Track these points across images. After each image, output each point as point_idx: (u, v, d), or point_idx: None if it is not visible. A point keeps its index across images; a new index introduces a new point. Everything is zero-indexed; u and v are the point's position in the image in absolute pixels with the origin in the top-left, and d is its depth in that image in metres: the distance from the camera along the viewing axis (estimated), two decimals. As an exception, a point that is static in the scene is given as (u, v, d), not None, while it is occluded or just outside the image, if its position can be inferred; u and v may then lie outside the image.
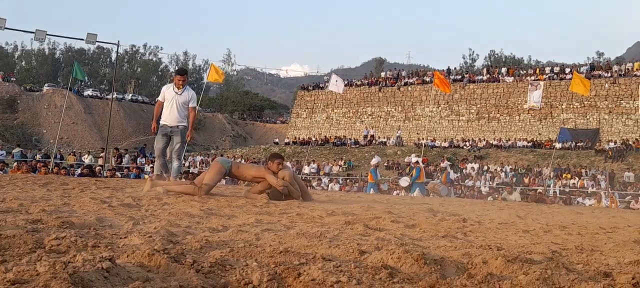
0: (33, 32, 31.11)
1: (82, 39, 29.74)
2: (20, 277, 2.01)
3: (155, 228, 3.78)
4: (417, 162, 18.71)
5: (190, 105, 9.73)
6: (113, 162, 25.36)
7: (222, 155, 42.92)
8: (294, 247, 3.16)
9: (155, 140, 9.68)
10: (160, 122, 9.54)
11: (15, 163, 21.20)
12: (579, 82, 26.46)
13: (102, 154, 27.55)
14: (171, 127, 9.53)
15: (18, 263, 2.20)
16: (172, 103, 9.52)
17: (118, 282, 2.08)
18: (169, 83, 9.87)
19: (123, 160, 27.37)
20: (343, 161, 43.38)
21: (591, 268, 3.03)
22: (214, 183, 8.57)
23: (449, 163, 21.09)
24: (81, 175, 18.17)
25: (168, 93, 9.59)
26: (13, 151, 26.76)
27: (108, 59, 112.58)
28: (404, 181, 18.45)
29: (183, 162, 13.22)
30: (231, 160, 9.35)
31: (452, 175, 18.40)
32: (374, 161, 19.80)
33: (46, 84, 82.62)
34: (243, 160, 42.05)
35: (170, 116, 9.52)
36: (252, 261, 2.61)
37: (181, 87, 9.62)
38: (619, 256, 3.68)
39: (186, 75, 9.98)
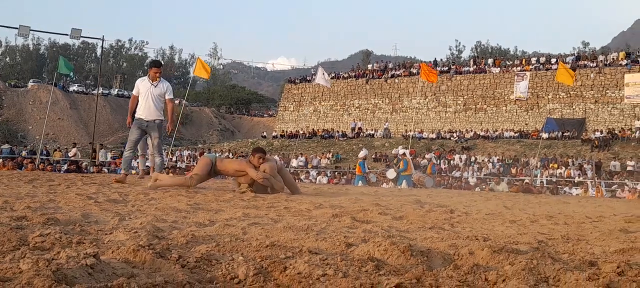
0: (16, 28, 30.89)
1: (67, 35, 29.62)
2: (3, 275, 1.99)
3: (141, 223, 3.76)
4: (404, 154, 18.76)
5: (167, 97, 9.52)
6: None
7: (209, 150, 42.90)
8: (280, 241, 3.16)
9: (129, 133, 9.54)
10: (136, 115, 9.37)
11: (1, 160, 21.05)
12: (565, 72, 26.61)
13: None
14: (147, 121, 9.36)
15: (1, 261, 2.18)
16: (147, 96, 9.31)
17: (102, 279, 2.06)
18: (144, 76, 9.78)
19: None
20: (331, 154, 43.42)
21: (577, 257, 3.05)
22: (203, 174, 8.58)
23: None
24: (67, 171, 18.07)
25: (143, 86, 9.37)
26: (2, 147, 26.56)
27: (93, 54, 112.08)
28: (391, 173, 18.50)
29: (165, 158, 13.25)
30: (216, 155, 9.47)
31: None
32: (361, 154, 19.87)
33: (31, 80, 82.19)
34: (231, 154, 42.01)
35: (146, 110, 9.32)
36: (238, 255, 2.60)
37: (157, 79, 9.43)
38: (605, 245, 3.70)
39: (161, 67, 9.80)
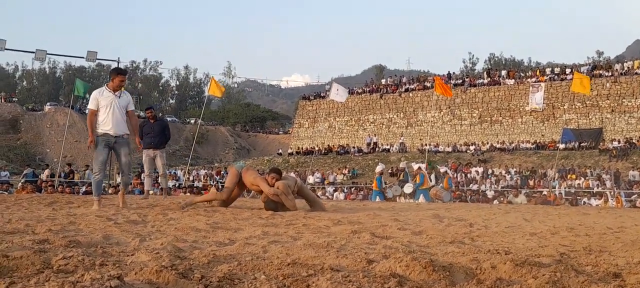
0: (33, 52, 31.24)
1: (83, 57, 29.86)
2: (30, 299, 2.01)
3: (162, 244, 3.78)
4: (419, 168, 18.69)
5: (130, 109, 8.65)
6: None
7: (226, 169, 42.99)
8: (301, 259, 3.16)
9: (95, 153, 8.31)
10: (100, 131, 8.24)
11: (20, 184, 21.22)
12: (579, 81, 26.47)
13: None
14: (115, 136, 8.32)
15: (27, 284, 2.20)
16: (112, 108, 8.29)
17: (127, 300, 2.08)
18: (101, 88, 8.63)
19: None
20: (347, 169, 43.32)
21: (600, 269, 3.02)
22: (231, 185, 8.81)
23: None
24: (86, 193, 18.18)
25: (104, 98, 8.32)
26: (24, 172, 26.77)
27: (108, 76, 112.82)
28: (408, 187, 18.45)
29: (183, 177, 13.22)
30: (244, 164, 9.47)
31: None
32: (378, 169, 19.83)
33: (48, 103, 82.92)
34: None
35: (112, 123, 8.27)
36: (260, 274, 2.60)
37: (120, 89, 8.54)
38: (628, 256, 3.67)
39: (126, 75, 9.04)
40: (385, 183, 20.34)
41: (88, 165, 36.66)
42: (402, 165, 21.71)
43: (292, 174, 9.77)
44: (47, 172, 26.94)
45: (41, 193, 16.65)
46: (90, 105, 8.35)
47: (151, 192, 13.33)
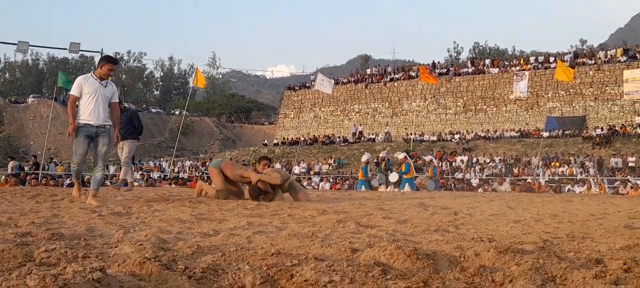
0: (15, 44, 30.94)
1: (65, 49, 29.60)
2: (11, 292, 1.99)
3: (146, 235, 3.76)
4: (405, 157, 18.74)
5: (114, 100, 8.13)
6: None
7: (210, 160, 42.87)
8: (286, 249, 3.15)
9: (74, 143, 7.79)
10: (81, 121, 7.73)
11: (4, 177, 21.05)
12: (563, 70, 26.66)
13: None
14: (97, 126, 7.80)
15: (7, 278, 2.18)
16: (97, 97, 7.79)
17: (110, 292, 2.07)
18: (86, 74, 8.08)
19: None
20: (333, 159, 43.36)
21: (583, 255, 3.05)
22: (224, 184, 8.90)
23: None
24: (70, 185, 18.07)
25: (89, 85, 7.80)
26: (9, 164, 26.52)
27: (92, 68, 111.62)
28: (393, 176, 18.49)
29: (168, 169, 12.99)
30: (221, 160, 9.48)
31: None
32: (364, 158, 19.89)
33: (31, 95, 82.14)
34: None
35: (95, 113, 7.76)
36: (244, 264, 2.60)
37: (107, 78, 8.03)
38: (610, 242, 3.70)
39: (117, 65, 8.49)
40: (371, 172, 20.40)
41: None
42: (382, 154, 21.80)
43: (278, 165, 9.75)
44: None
45: (25, 186, 16.53)
46: (73, 91, 7.78)
47: (136, 183, 13.08)
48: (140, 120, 11.79)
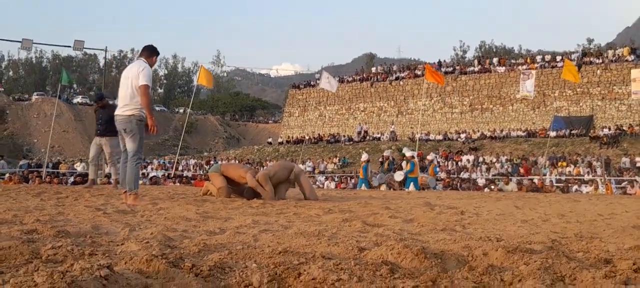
0: (19, 41, 31.03)
1: (70, 46, 29.66)
2: (18, 289, 1.98)
3: (152, 233, 3.75)
4: (412, 156, 18.71)
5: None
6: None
7: (209, 163, 42.93)
8: (292, 247, 3.14)
9: (141, 136, 7.45)
10: (144, 113, 7.41)
11: (7, 175, 21.11)
12: (569, 69, 26.60)
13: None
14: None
15: (15, 274, 2.17)
16: None
17: (116, 290, 2.06)
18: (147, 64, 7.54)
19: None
20: (337, 158, 43.32)
21: (592, 255, 3.03)
22: (225, 185, 8.91)
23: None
24: (74, 183, 18.10)
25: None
26: (20, 163, 26.61)
27: (96, 66, 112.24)
28: (398, 175, 18.47)
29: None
30: (219, 164, 9.56)
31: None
32: (364, 157, 19.94)
33: (35, 93, 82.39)
34: (237, 161, 41.98)
35: None
36: (251, 262, 2.59)
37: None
38: (619, 242, 3.68)
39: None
40: (372, 171, 20.43)
41: (82, 159, 36.34)
42: (386, 152, 21.82)
43: (293, 163, 9.61)
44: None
45: (28, 184, 16.57)
46: (150, 82, 7.34)
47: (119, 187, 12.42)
48: None
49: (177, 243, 3.30)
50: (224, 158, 45.67)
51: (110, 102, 12.31)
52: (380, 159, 24.91)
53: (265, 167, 9.04)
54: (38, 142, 67.29)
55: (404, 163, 19.27)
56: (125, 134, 7.38)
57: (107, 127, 11.06)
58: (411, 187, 17.48)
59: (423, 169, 22.43)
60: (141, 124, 7.32)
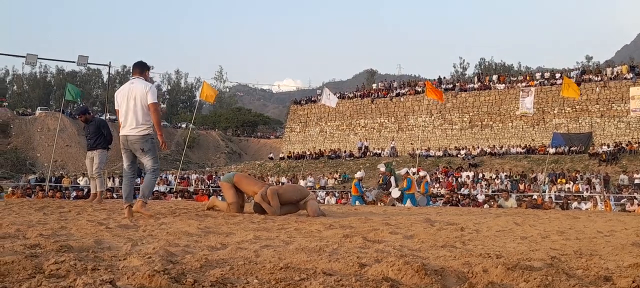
0: (24, 57, 31.09)
1: (74, 62, 29.73)
2: (22, 304, 2.00)
3: (154, 248, 3.77)
4: (407, 173, 18.74)
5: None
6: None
7: (216, 173, 42.85)
8: (293, 263, 3.16)
9: (155, 150, 7.70)
10: (152, 130, 7.65)
11: (10, 189, 21.12)
12: (569, 86, 26.67)
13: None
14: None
15: (19, 289, 2.19)
16: None
17: (120, 305, 2.08)
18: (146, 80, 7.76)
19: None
20: (338, 174, 43.33)
21: (591, 272, 3.04)
22: (236, 198, 8.72)
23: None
24: (77, 197, 18.10)
25: None
26: (30, 178, 26.63)
27: (99, 80, 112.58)
28: (395, 192, 18.46)
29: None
30: (233, 173, 9.36)
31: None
32: (358, 174, 19.91)
33: (38, 108, 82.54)
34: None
35: None
36: (252, 278, 2.61)
37: None
38: (618, 259, 3.69)
39: None
40: (365, 188, 20.44)
41: (84, 173, 36.30)
42: (381, 168, 21.87)
43: (308, 190, 9.37)
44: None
45: (31, 198, 16.57)
46: (157, 99, 7.55)
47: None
48: (109, 129, 11.56)
49: (179, 258, 3.32)
50: (232, 170, 45.58)
51: (93, 115, 12.35)
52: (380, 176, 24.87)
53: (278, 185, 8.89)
54: (41, 157, 67.30)
55: (393, 180, 19.31)
56: (142, 153, 7.51)
57: (97, 141, 11.15)
58: (408, 203, 17.46)
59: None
60: (154, 141, 7.54)
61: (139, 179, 8.01)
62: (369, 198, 18.99)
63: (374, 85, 64.15)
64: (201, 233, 5.23)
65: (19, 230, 4.80)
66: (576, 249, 4.42)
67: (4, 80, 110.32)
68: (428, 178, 20.96)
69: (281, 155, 56.17)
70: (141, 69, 7.75)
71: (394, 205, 17.62)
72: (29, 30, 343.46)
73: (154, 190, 10.80)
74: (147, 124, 7.47)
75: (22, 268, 2.65)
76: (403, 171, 19.15)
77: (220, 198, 11.60)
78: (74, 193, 20.88)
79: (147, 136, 7.49)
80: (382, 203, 18.18)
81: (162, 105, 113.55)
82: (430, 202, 19.81)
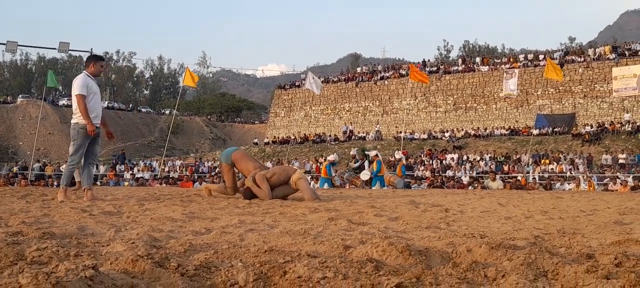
0: (4, 44, 30.73)
1: (55, 48, 29.43)
2: (3, 290, 1.98)
3: (138, 234, 3.75)
4: (376, 155, 18.66)
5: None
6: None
7: (201, 160, 42.66)
8: (278, 246, 3.15)
9: (79, 142, 8.06)
10: (93, 121, 7.98)
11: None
12: (552, 68, 26.81)
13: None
14: (98, 127, 8.20)
15: (0, 276, 2.16)
16: (97, 96, 8.20)
17: (102, 290, 2.06)
18: (82, 74, 8.23)
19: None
20: (323, 158, 43.32)
21: (574, 250, 3.06)
22: (234, 181, 8.96)
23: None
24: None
25: (93, 85, 8.11)
26: (13, 167, 26.44)
27: (81, 67, 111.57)
28: (365, 174, 18.42)
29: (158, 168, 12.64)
30: (232, 149, 9.33)
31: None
32: (330, 157, 19.83)
33: (20, 95, 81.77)
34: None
35: (97, 112, 8.19)
36: (237, 262, 2.60)
37: (100, 75, 8.45)
38: (601, 237, 3.72)
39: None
40: (335, 171, 20.45)
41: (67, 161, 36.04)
42: (353, 151, 21.94)
43: (295, 168, 9.25)
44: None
45: (14, 187, 16.44)
46: (82, 91, 7.89)
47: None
48: None
49: (163, 243, 3.30)
50: (211, 158, 45.50)
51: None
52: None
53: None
54: (23, 145, 66.77)
55: (366, 164, 19.33)
56: (71, 139, 8.21)
57: None
58: (377, 185, 17.41)
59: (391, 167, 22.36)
60: (82, 131, 7.97)
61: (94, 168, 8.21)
62: (337, 182, 19.02)
63: (359, 69, 64.12)
64: (185, 218, 5.21)
65: (0, 218, 4.76)
66: (559, 228, 4.45)
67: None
68: (403, 160, 20.95)
69: (266, 140, 56.09)
70: (87, 61, 8.45)
71: (363, 187, 17.68)
72: (9, 17, 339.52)
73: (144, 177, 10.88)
74: (77, 113, 8.03)
75: (4, 256, 2.62)
76: (373, 153, 19.09)
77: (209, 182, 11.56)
78: (56, 183, 20.74)
79: (76, 125, 8.04)
80: (354, 186, 18.28)
81: (145, 92, 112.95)
82: (406, 185, 19.77)
